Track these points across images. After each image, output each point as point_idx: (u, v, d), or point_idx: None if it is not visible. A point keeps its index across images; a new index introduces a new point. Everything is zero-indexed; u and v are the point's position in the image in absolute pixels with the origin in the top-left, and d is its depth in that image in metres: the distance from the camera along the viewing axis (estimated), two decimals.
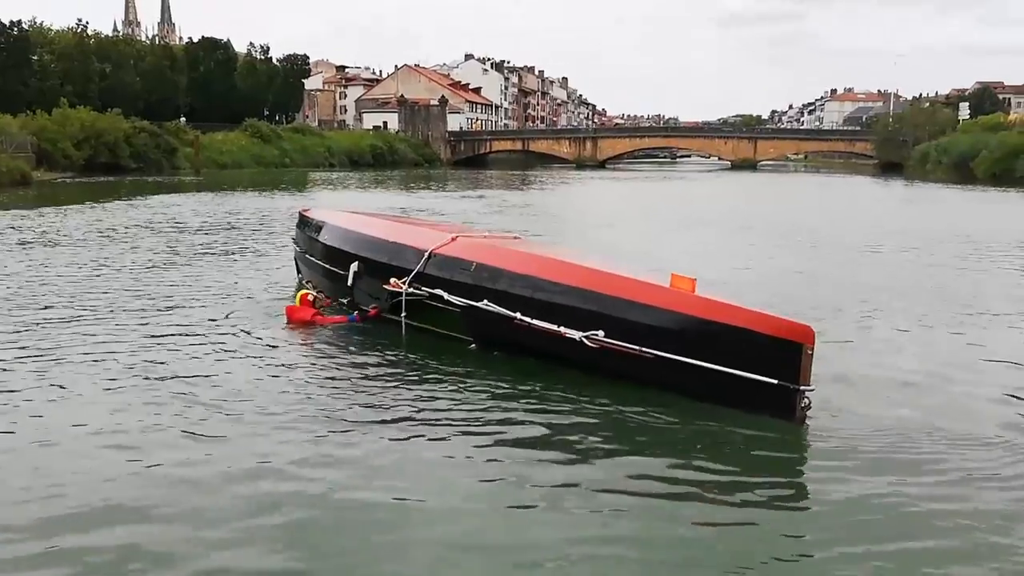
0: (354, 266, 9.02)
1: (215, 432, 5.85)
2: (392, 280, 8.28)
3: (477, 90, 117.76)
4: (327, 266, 9.86)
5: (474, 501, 4.90)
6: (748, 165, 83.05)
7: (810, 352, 5.93)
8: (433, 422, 6.12)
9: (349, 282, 9.08)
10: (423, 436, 5.87)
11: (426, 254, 8.24)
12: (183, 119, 64.10)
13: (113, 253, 14.81)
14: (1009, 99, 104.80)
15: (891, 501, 4.86)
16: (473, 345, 7.87)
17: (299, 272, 11.42)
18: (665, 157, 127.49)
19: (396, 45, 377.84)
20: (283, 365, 7.58)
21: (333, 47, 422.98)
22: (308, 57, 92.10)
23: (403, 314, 8.26)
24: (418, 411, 6.35)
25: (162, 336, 8.52)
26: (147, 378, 7.04)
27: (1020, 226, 22.91)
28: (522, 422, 6.14)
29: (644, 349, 6.54)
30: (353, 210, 13.34)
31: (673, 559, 4.28)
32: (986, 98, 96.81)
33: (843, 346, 8.30)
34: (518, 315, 7.27)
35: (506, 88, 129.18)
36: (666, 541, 4.44)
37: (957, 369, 7.76)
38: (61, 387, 6.77)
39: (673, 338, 6.43)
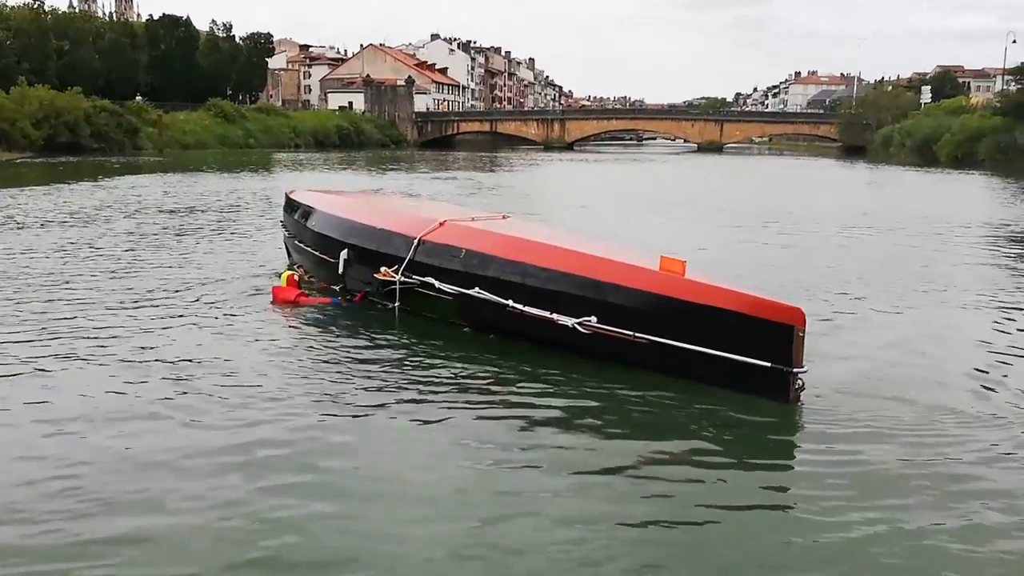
0: (344, 253, 8.99)
1: (208, 419, 5.79)
2: (383, 269, 8.30)
3: (443, 70, 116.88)
4: (317, 253, 9.81)
5: (466, 485, 4.88)
6: (714, 148, 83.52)
7: (801, 334, 6.00)
8: (426, 405, 6.11)
9: (340, 270, 9.03)
10: (416, 419, 5.85)
11: (415, 241, 8.21)
12: (138, 97, 61.90)
13: (89, 236, 14.52)
14: (969, 83, 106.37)
15: (886, 480, 4.92)
16: (467, 328, 7.87)
17: (290, 257, 11.28)
18: (631, 139, 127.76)
19: (361, 24, 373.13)
20: (276, 349, 7.53)
21: (297, 25, 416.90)
22: (272, 35, 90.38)
23: (396, 303, 8.24)
24: (411, 394, 6.33)
25: (148, 320, 8.41)
26: (136, 363, 6.94)
27: (986, 208, 23.40)
28: (513, 405, 6.13)
29: (637, 334, 6.57)
30: (338, 191, 13.18)
31: (665, 542, 4.27)
32: (947, 82, 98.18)
33: (827, 325, 8.41)
34: (510, 302, 7.28)
35: (473, 69, 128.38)
36: (658, 524, 4.44)
37: (936, 347, 7.95)
38: (47, 374, 6.65)
39: (665, 323, 6.46)
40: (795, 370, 6.01)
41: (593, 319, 6.77)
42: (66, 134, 46.25)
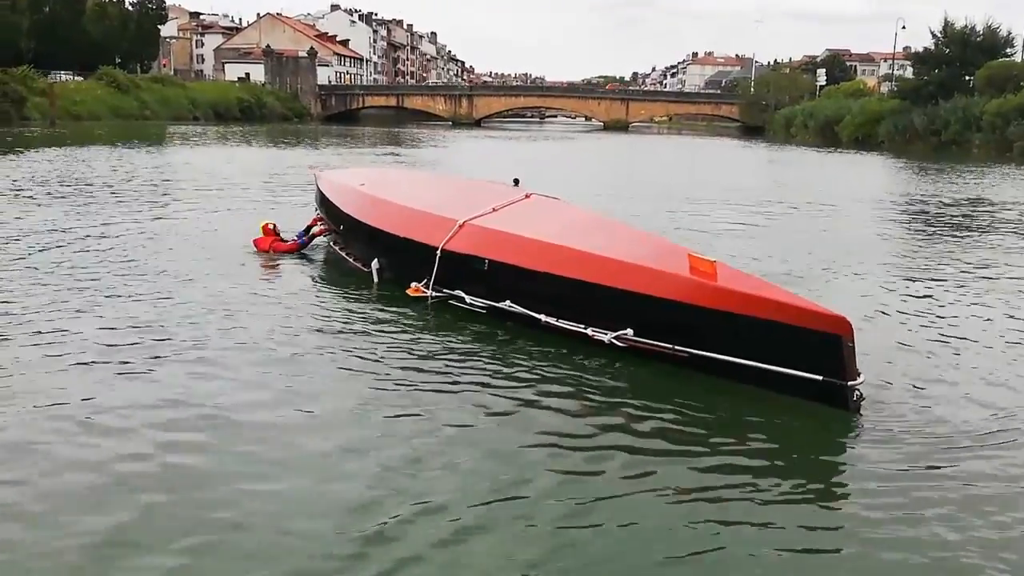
0: (375, 264, 8.81)
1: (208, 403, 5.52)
2: (413, 285, 8.11)
3: (345, 43, 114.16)
4: (351, 260, 9.56)
5: (495, 479, 4.58)
6: (620, 126, 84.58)
7: (851, 344, 5.58)
8: (454, 396, 5.83)
9: (375, 279, 8.80)
10: (442, 410, 5.56)
11: (437, 252, 7.88)
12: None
13: (49, 213, 13.44)
14: (855, 66, 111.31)
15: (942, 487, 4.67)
16: (509, 323, 7.49)
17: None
18: (533, 117, 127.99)
19: None
20: (289, 326, 7.34)
21: None
22: (164, 1, 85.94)
23: (430, 314, 7.87)
24: (441, 386, 6.02)
25: (144, 299, 8.00)
26: (143, 348, 6.42)
27: (914, 186, 24.28)
28: (550, 401, 5.76)
29: (677, 347, 6.28)
30: (360, 174, 12.39)
31: (710, 547, 4.01)
32: (836, 65, 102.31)
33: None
34: (543, 317, 7.03)
35: (375, 41, 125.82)
36: (702, 528, 4.18)
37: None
38: (25, 363, 6.09)
39: (704, 334, 6.14)
40: (849, 383, 5.60)
41: (629, 332, 6.47)
42: None
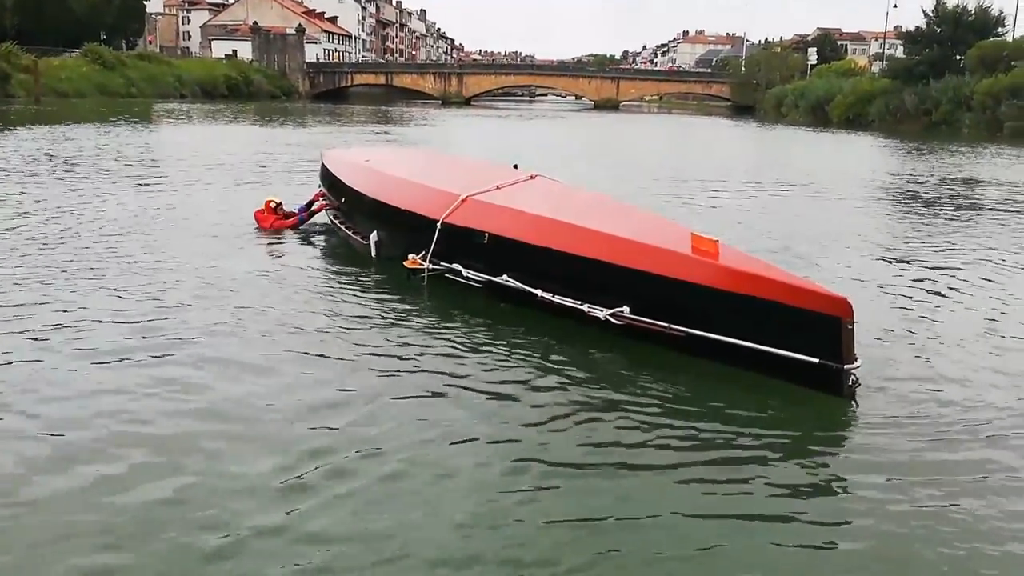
0: (374, 236, 8.74)
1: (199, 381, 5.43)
2: (411, 257, 7.97)
3: (333, 19, 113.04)
4: (351, 233, 9.47)
5: (484, 467, 4.50)
6: (611, 105, 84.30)
7: (850, 327, 5.49)
8: (447, 372, 5.80)
9: (373, 253, 8.74)
10: (427, 391, 5.49)
11: (438, 225, 7.81)
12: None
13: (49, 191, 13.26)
14: (846, 45, 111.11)
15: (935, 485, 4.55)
16: (503, 304, 7.44)
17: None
18: (523, 95, 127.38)
19: None
20: (289, 305, 7.27)
21: None
22: None
23: (426, 288, 7.85)
24: (433, 359, 6.01)
25: (144, 281, 7.81)
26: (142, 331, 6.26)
27: (915, 166, 24.33)
28: (540, 381, 5.71)
29: (673, 326, 6.21)
30: (365, 153, 12.44)
31: (698, 530, 3.99)
32: (826, 44, 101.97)
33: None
34: (539, 292, 6.96)
35: (364, 19, 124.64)
36: (690, 510, 4.15)
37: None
38: (9, 349, 5.95)
39: (702, 313, 6.07)
40: (846, 367, 5.49)
41: (626, 309, 6.40)
42: None
